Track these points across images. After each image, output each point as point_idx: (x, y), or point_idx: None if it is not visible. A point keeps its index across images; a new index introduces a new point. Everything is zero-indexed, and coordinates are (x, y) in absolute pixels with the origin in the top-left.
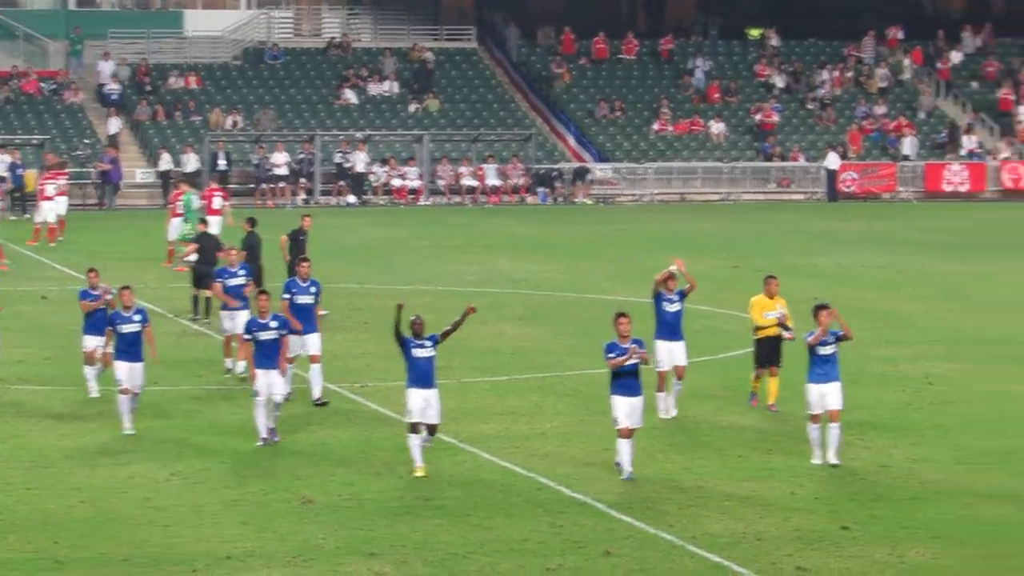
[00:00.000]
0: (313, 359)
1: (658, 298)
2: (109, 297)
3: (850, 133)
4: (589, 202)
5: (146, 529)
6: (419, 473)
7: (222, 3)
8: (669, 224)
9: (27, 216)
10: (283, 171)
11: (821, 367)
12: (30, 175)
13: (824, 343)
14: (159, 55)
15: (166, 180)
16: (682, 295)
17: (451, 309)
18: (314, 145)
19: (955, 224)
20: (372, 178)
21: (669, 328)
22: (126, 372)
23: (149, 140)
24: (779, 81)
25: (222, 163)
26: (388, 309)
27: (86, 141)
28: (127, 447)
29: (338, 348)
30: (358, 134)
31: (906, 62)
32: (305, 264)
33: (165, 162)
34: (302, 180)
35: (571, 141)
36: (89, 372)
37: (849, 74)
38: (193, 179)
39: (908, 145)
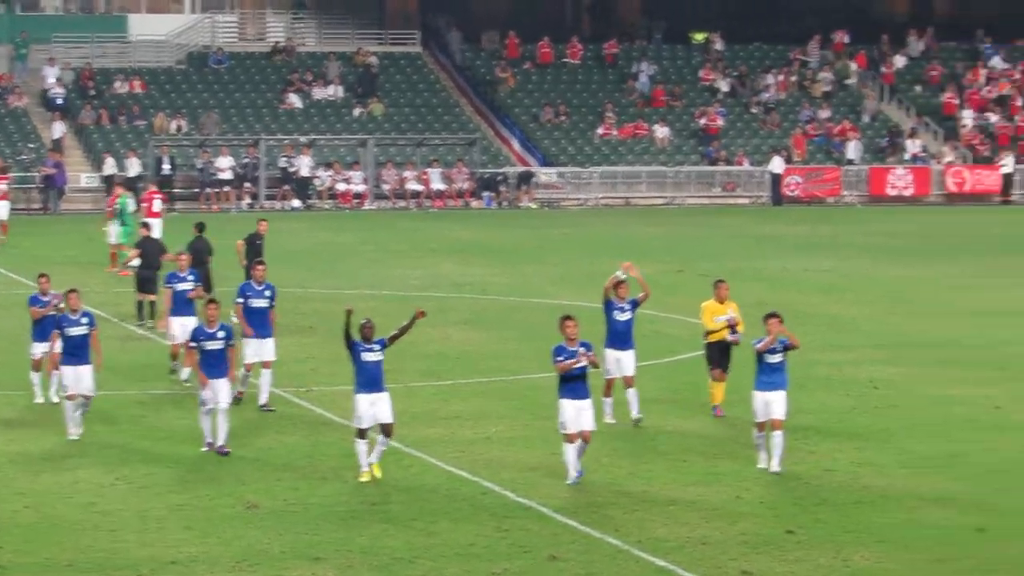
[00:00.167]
0: (265, 364)
1: (608, 306)
2: (59, 304)
3: (794, 137)
4: (534, 206)
5: (91, 534)
6: (365, 478)
7: (166, 7)
8: (614, 228)
9: None
10: (228, 175)
11: (768, 375)
12: None
13: (772, 351)
14: (103, 59)
15: (110, 184)
16: (634, 304)
17: (396, 313)
18: (259, 149)
19: (899, 228)
20: (317, 182)
21: (619, 337)
22: (72, 377)
23: (93, 144)
24: (723, 85)
25: (166, 168)
26: (333, 313)
27: (30, 145)
28: (72, 452)
29: (283, 353)
30: (303, 138)
31: (852, 67)
32: (260, 267)
33: (109, 166)
34: (247, 184)
35: (516, 145)
36: (35, 378)
37: (793, 78)
38: (133, 183)
39: (852, 149)
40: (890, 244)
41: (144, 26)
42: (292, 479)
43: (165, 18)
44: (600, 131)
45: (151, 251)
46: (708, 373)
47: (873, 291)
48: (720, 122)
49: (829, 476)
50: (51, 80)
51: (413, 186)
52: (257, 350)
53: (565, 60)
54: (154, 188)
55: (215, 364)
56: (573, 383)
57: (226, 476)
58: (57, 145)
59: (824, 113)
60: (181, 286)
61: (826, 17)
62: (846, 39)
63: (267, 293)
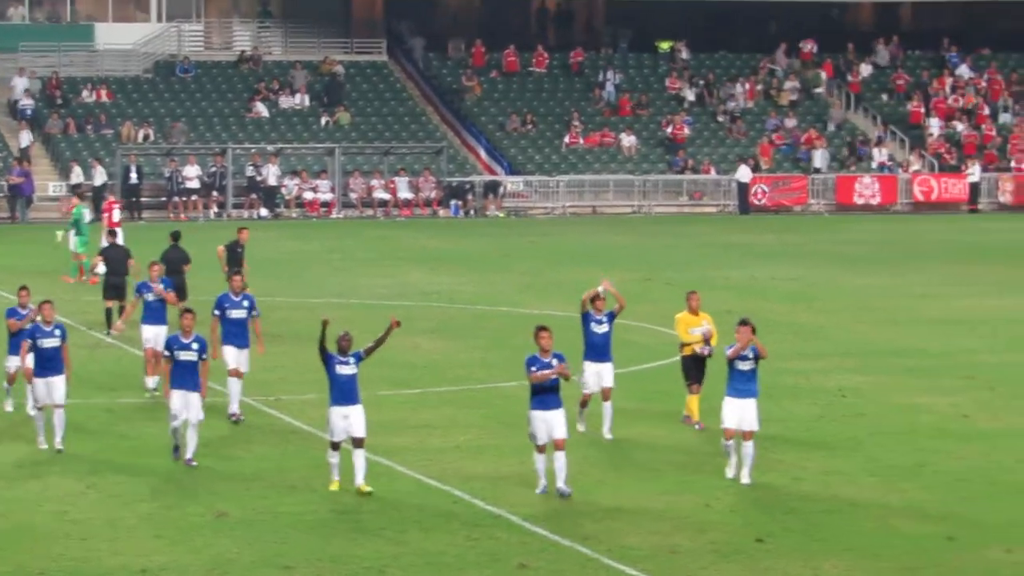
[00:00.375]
0: (238, 373)
1: (586, 318)
2: (37, 318)
3: (761, 146)
4: (501, 215)
5: (62, 542)
6: (334, 487)
7: (132, 16)
8: (581, 237)
9: None
10: (195, 184)
11: (740, 383)
12: None
13: (744, 358)
14: (70, 68)
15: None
16: (611, 316)
17: (362, 322)
18: (226, 158)
19: (866, 237)
20: (284, 191)
21: (596, 350)
22: (44, 389)
23: (61, 153)
24: (690, 94)
25: (134, 177)
26: (301, 322)
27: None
28: (42, 461)
29: (251, 361)
30: (270, 147)
31: (823, 76)
32: (237, 277)
33: (76, 175)
34: (214, 193)
35: (482, 154)
36: (8, 388)
37: (759, 87)
38: (99, 192)
39: (819, 158)
40: (857, 253)
41: (111, 35)
42: (261, 488)
43: (132, 27)
44: (567, 140)
45: (116, 258)
46: (685, 387)
47: (840, 299)
48: (687, 131)
49: (798, 485)
50: (20, 90)
51: (380, 195)
52: (236, 357)
53: (531, 69)
54: (113, 198)
55: (187, 375)
56: (544, 394)
57: (195, 485)
58: (24, 154)
59: (791, 122)
60: (151, 295)
61: (792, 26)
62: (814, 48)
63: (245, 303)
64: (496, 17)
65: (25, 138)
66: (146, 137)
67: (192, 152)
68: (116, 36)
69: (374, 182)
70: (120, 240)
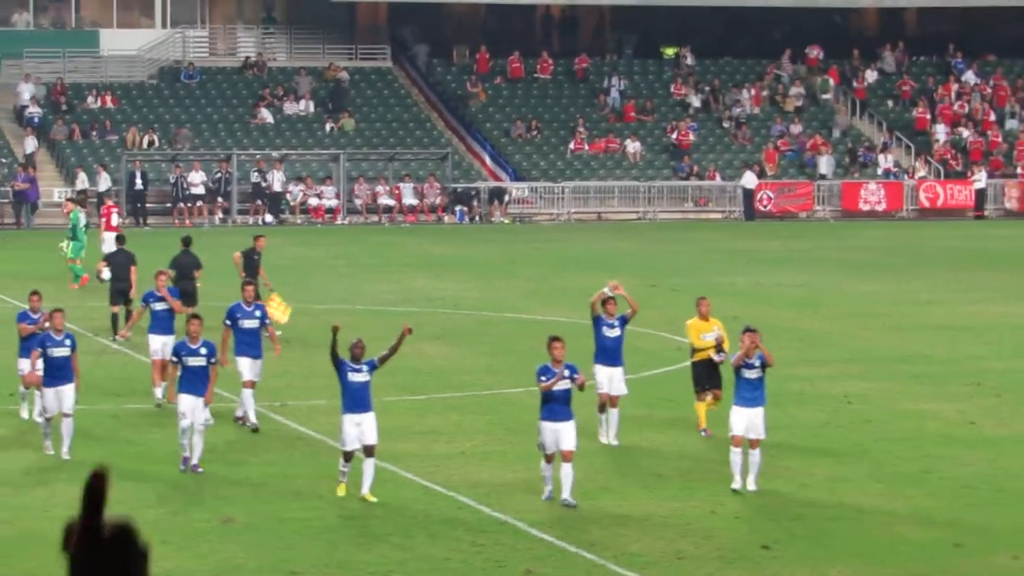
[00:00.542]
0: (251, 384)
1: (597, 322)
2: (47, 325)
3: (766, 152)
4: (506, 221)
5: None
6: (341, 492)
7: (137, 22)
8: (586, 243)
9: None
10: (200, 190)
11: (747, 391)
12: None
13: (750, 366)
14: (75, 74)
15: (84, 200)
16: (623, 321)
17: (368, 328)
18: (231, 164)
19: (872, 243)
20: (289, 197)
21: (608, 354)
22: (53, 398)
23: (66, 159)
24: (695, 100)
25: (139, 183)
26: (306, 328)
27: (3, 160)
28: (48, 468)
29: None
30: (274, 153)
31: (831, 82)
32: (250, 287)
33: (82, 181)
34: (219, 199)
35: (487, 160)
36: (23, 393)
37: (765, 93)
38: (104, 197)
39: (824, 164)
40: (863, 259)
41: (115, 41)
42: (268, 494)
43: (136, 33)
44: (572, 146)
45: (121, 263)
46: (694, 393)
47: (846, 306)
48: (692, 137)
49: (804, 491)
50: (26, 97)
51: (385, 201)
52: (251, 368)
53: (536, 75)
54: (112, 202)
55: (196, 380)
56: (554, 404)
57: (202, 491)
58: (30, 160)
59: (796, 128)
60: (159, 305)
61: (797, 32)
62: (820, 54)
63: (257, 313)
64: (501, 23)
65: (30, 144)
66: (151, 143)
67: (197, 158)
68: (121, 42)
69: (379, 188)
70: (111, 246)
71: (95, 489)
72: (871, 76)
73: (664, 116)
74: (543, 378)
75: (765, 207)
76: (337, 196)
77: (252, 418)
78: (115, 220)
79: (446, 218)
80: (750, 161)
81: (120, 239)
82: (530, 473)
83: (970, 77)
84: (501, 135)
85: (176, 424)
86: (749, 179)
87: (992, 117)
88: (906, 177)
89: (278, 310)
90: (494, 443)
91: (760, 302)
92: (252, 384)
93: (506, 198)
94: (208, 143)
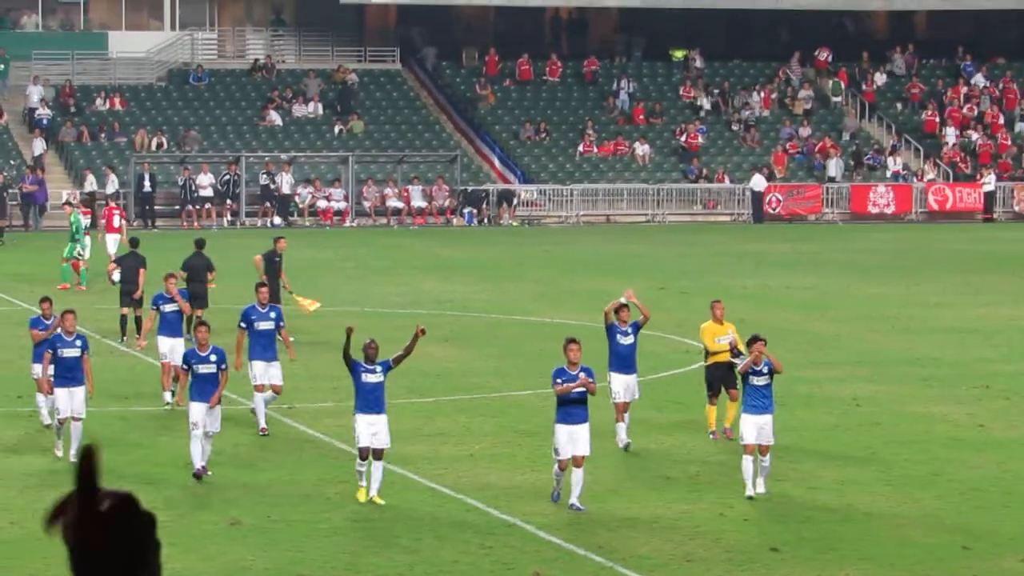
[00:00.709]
0: (275, 389)
1: (611, 330)
2: (59, 329)
3: (775, 154)
4: (515, 224)
5: None
6: (363, 497)
7: (146, 24)
8: (595, 246)
9: None
10: (208, 193)
11: (755, 398)
12: None
13: (758, 373)
14: (84, 76)
15: (91, 201)
16: (636, 327)
17: (376, 330)
18: (239, 166)
19: (880, 246)
20: (297, 199)
21: (622, 361)
22: (66, 399)
23: (74, 161)
24: (706, 103)
25: (147, 185)
26: (314, 331)
27: (11, 162)
28: (55, 470)
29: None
30: (283, 155)
31: (841, 85)
32: (264, 289)
33: (90, 183)
34: (228, 201)
35: (496, 163)
36: (41, 400)
37: (774, 95)
38: (108, 200)
39: (834, 167)
40: (871, 262)
41: (124, 43)
42: (275, 496)
43: (145, 35)
44: (580, 148)
45: (130, 265)
46: (707, 396)
47: (854, 308)
48: (701, 139)
49: (813, 494)
50: (35, 99)
51: (394, 203)
52: (264, 371)
53: (545, 77)
54: (114, 204)
55: (207, 387)
56: (570, 407)
57: (209, 493)
58: (38, 162)
59: (805, 131)
60: (168, 307)
61: (806, 35)
62: (828, 56)
63: (272, 315)
64: (510, 26)
65: (39, 146)
66: (159, 145)
67: (205, 160)
68: (129, 44)
69: (387, 190)
70: (113, 247)
71: (86, 462)
72: (880, 79)
73: (673, 119)
74: (559, 380)
75: (774, 209)
76: (346, 198)
77: (262, 422)
78: (116, 222)
79: (455, 220)
80: (759, 164)
81: (134, 242)
82: (538, 475)
83: (979, 80)
84: (510, 137)
85: (187, 432)
86: (758, 182)
87: (1001, 120)
88: (915, 180)
89: (306, 302)
90: (502, 446)
91: (769, 305)
92: (263, 389)
93: (515, 200)
94: (217, 145)
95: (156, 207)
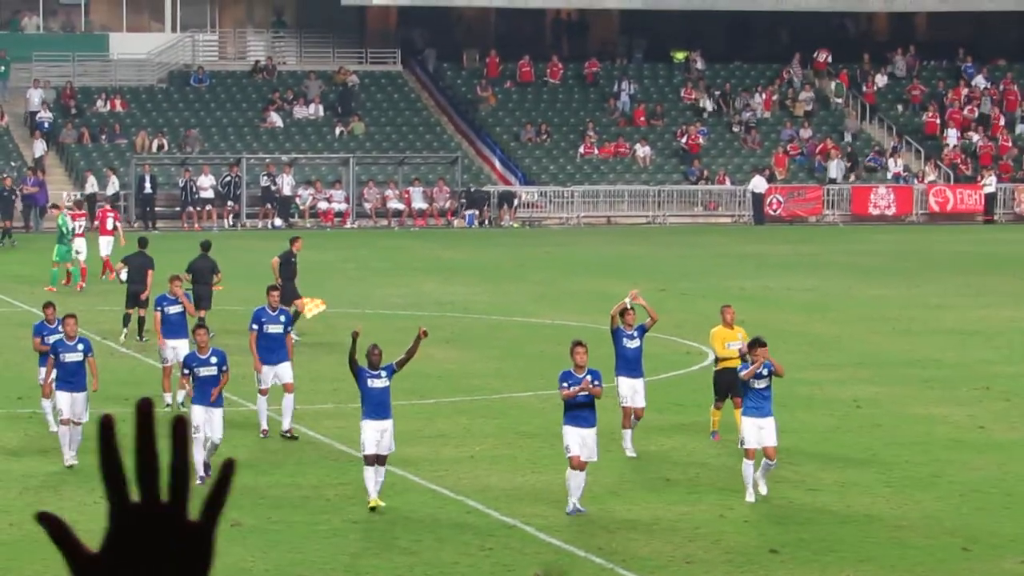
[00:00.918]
0: (287, 388)
1: (616, 333)
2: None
3: (776, 156)
4: (516, 225)
5: None
6: (372, 505)
7: (147, 26)
8: (596, 247)
9: None
10: (209, 194)
11: (755, 401)
12: None
13: (758, 376)
14: (84, 78)
15: (92, 203)
16: (642, 331)
17: (378, 332)
18: (240, 168)
19: (881, 247)
20: (298, 201)
21: (629, 365)
22: (67, 402)
23: (75, 163)
24: (708, 104)
25: (148, 186)
26: (314, 332)
27: (12, 164)
28: (55, 472)
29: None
30: (284, 157)
31: (843, 87)
32: (275, 293)
33: (91, 185)
34: (229, 203)
35: (497, 164)
36: (47, 405)
37: (775, 97)
38: (83, 202)
39: (835, 168)
40: (872, 263)
41: (125, 45)
42: (275, 497)
43: (146, 37)
44: (581, 150)
45: (137, 266)
46: (713, 400)
47: (855, 310)
48: (702, 141)
49: (813, 495)
50: (36, 103)
51: (394, 205)
52: (272, 375)
53: (546, 79)
54: (107, 206)
55: (209, 391)
56: (579, 410)
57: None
58: (39, 164)
59: (806, 132)
60: (171, 309)
61: (806, 36)
62: (827, 57)
63: (282, 318)
64: (511, 27)
65: (39, 148)
66: (160, 147)
67: (206, 162)
68: (130, 46)
69: (388, 192)
70: (107, 249)
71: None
72: (881, 80)
73: (674, 120)
74: (565, 384)
75: (775, 211)
76: (346, 200)
77: (263, 423)
78: (110, 224)
79: (455, 222)
80: (760, 165)
81: (142, 242)
82: (539, 477)
83: (980, 81)
84: (511, 139)
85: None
86: (759, 183)
87: (1002, 121)
88: (916, 181)
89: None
90: (503, 447)
91: (769, 306)
92: (290, 388)
93: (516, 202)
94: (217, 147)
95: (157, 209)
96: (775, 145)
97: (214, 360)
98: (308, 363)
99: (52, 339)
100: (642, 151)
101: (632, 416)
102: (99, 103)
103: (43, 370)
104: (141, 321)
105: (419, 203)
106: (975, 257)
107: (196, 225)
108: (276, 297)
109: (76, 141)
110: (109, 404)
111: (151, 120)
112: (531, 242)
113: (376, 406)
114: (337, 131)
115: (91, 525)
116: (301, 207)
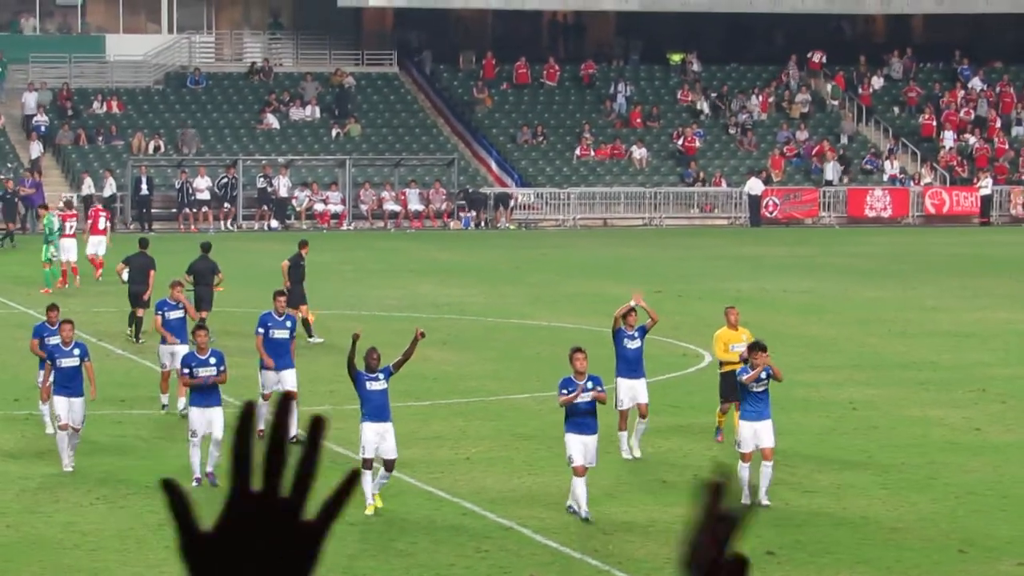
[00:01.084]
0: (289, 395)
1: (618, 334)
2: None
3: (772, 158)
4: (512, 227)
5: (71, 553)
6: (369, 511)
7: (143, 28)
8: (592, 249)
9: None
10: (205, 196)
11: (753, 404)
12: None
13: (757, 380)
14: (81, 79)
15: (88, 204)
16: (643, 331)
17: (374, 334)
18: (236, 170)
19: (877, 249)
20: (295, 203)
21: (630, 365)
22: (65, 408)
23: (72, 164)
24: (705, 106)
25: (144, 188)
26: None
27: (9, 165)
28: (52, 473)
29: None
30: (280, 159)
31: (840, 89)
32: (281, 298)
33: (87, 186)
34: (225, 205)
35: (493, 166)
36: (45, 409)
37: (771, 99)
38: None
39: (831, 170)
40: (868, 265)
41: (121, 46)
42: None
43: (142, 38)
44: (578, 152)
45: (138, 266)
46: (719, 402)
47: (851, 312)
48: (698, 143)
49: (809, 498)
50: (32, 105)
51: (391, 206)
52: (278, 381)
53: (542, 81)
54: (99, 206)
55: (209, 392)
56: (580, 417)
57: (206, 497)
58: (35, 165)
59: (801, 134)
60: (172, 313)
61: (803, 38)
62: (822, 58)
63: (288, 324)
64: (507, 29)
65: (36, 149)
66: (157, 148)
67: (203, 163)
68: (127, 47)
69: (385, 194)
70: (102, 249)
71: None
72: (877, 82)
73: (670, 122)
74: (564, 391)
75: (771, 213)
76: (343, 201)
77: (259, 425)
78: (101, 224)
79: (452, 224)
80: (756, 167)
81: (143, 243)
82: (535, 479)
83: (976, 84)
84: (507, 141)
85: (186, 439)
86: (755, 185)
87: (998, 124)
88: (912, 183)
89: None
90: (499, 449)
91: (765, 308)
92: (293, 396)
93: (512, 204)
94: (214, 148)
95: (153, 210)
96: (771, 147)
97: (213, 360)
98: (305, 365)
99: (51, 341)
100: (638, 153)
101: (637, 415)
102: (96, 104)
103: (42, 373)
104: (139, 322)
105: (415, 205)
106: (971, 259)
107: (193, 227)
108: (283, 302)
109: (73, 143)
110: (105, 405)
111: (148, 122)
112: (527, 244)
113: (376, 409)
114: (333, 133)
115: (88, 526)
116: (297, 209)
